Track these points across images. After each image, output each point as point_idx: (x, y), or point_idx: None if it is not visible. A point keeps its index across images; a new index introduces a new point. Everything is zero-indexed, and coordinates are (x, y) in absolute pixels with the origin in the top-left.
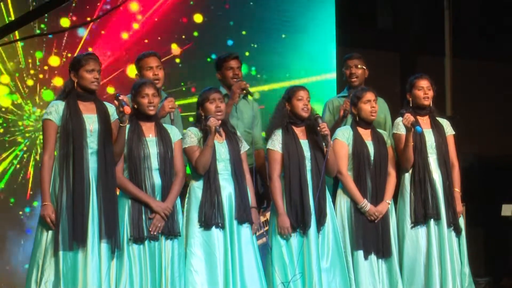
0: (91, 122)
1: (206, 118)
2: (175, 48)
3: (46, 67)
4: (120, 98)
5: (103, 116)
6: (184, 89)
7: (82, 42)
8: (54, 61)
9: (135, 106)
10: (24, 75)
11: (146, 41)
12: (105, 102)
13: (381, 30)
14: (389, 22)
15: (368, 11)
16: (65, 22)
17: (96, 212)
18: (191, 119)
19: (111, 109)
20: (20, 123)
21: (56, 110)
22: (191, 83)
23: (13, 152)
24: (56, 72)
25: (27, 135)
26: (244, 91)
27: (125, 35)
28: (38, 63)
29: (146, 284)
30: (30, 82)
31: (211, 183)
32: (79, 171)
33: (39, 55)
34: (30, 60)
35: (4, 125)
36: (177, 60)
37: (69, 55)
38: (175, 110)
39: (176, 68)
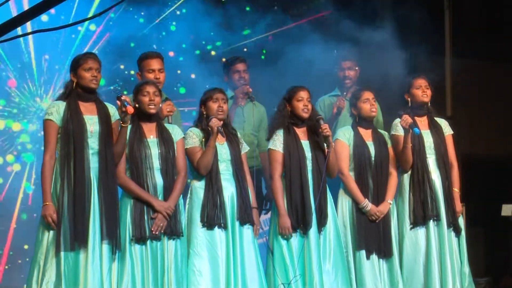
0: (91, 123)
1: (208, 118)
2: None
3: None
4: (122, 98)
5: (103, 117)
6: None
7: None
8: None
9: (137, 105)
10: None
11: None
12: (106, 103)
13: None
14: (389, 22)
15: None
16: None
17: (98, 213)
18: None
19: (112, 109)
20: None
21: (57, 111)
22: None
23: None
24: None
25: None
26: (247, 96)
27: None
28: None
29: (148, 285)
30: None
31: (213, 184)
32: (80, 171)
33: None
34: None
35: None
36: None
37: None
38: (174, 113)
39: None
